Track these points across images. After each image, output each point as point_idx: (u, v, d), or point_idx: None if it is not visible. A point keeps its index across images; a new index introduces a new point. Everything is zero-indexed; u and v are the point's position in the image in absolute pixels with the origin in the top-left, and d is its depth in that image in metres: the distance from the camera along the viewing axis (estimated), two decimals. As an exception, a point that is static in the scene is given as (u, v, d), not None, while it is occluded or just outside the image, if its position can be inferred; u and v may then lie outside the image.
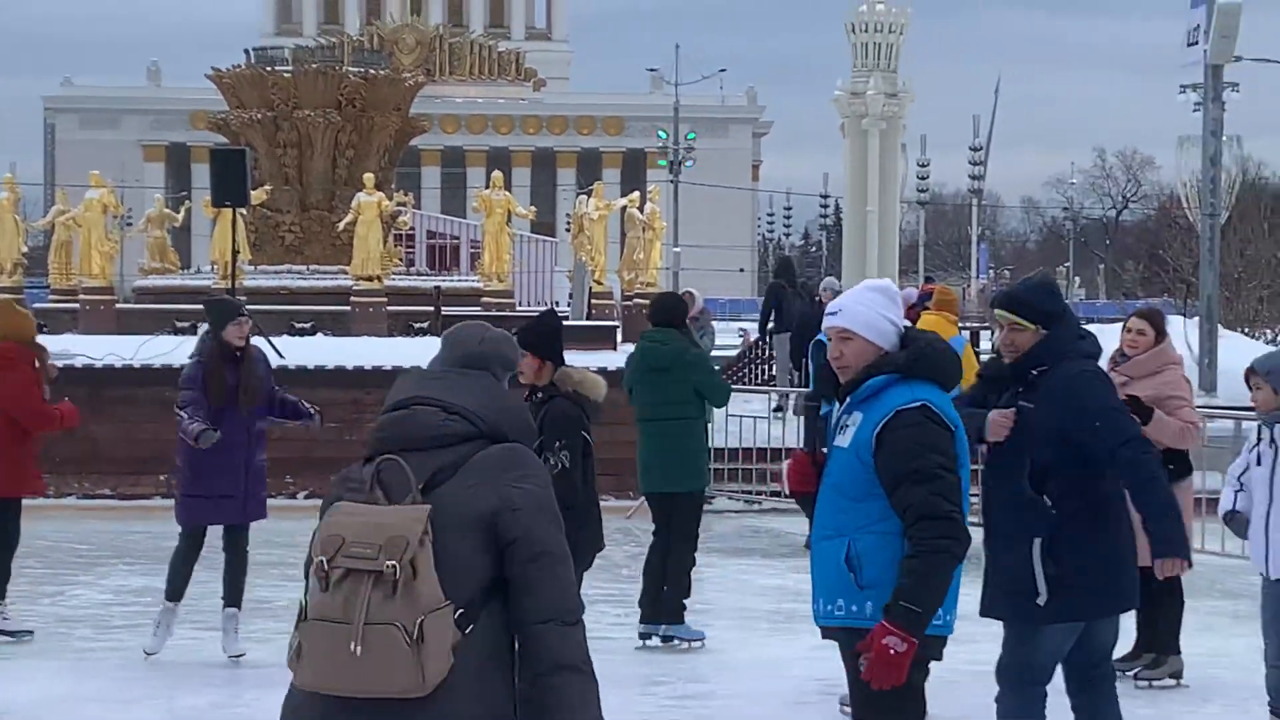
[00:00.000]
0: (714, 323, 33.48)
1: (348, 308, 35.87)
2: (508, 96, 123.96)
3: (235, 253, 27.49)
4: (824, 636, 6.91)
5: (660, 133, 77.67)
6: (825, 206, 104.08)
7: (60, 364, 14.25)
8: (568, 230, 63.42)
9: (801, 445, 17.92)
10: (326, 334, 31.28)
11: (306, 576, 4.87)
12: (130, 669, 12.19)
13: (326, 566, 4.75)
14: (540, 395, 9.97)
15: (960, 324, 19.49)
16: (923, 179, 76.03)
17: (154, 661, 12.35)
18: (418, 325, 33.54)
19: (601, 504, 10.23)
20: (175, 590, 12.48)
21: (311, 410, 12.66)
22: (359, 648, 4.68)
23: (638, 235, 47.95)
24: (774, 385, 26.50)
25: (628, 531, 18.02)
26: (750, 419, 21.62)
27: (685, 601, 12.94)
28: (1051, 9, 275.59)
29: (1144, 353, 11.47)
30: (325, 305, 35.42)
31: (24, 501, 13.07)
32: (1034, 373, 7.78)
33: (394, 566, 4.71)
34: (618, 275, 48.89)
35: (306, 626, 4.78)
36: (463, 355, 5.26)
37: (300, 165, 40.41)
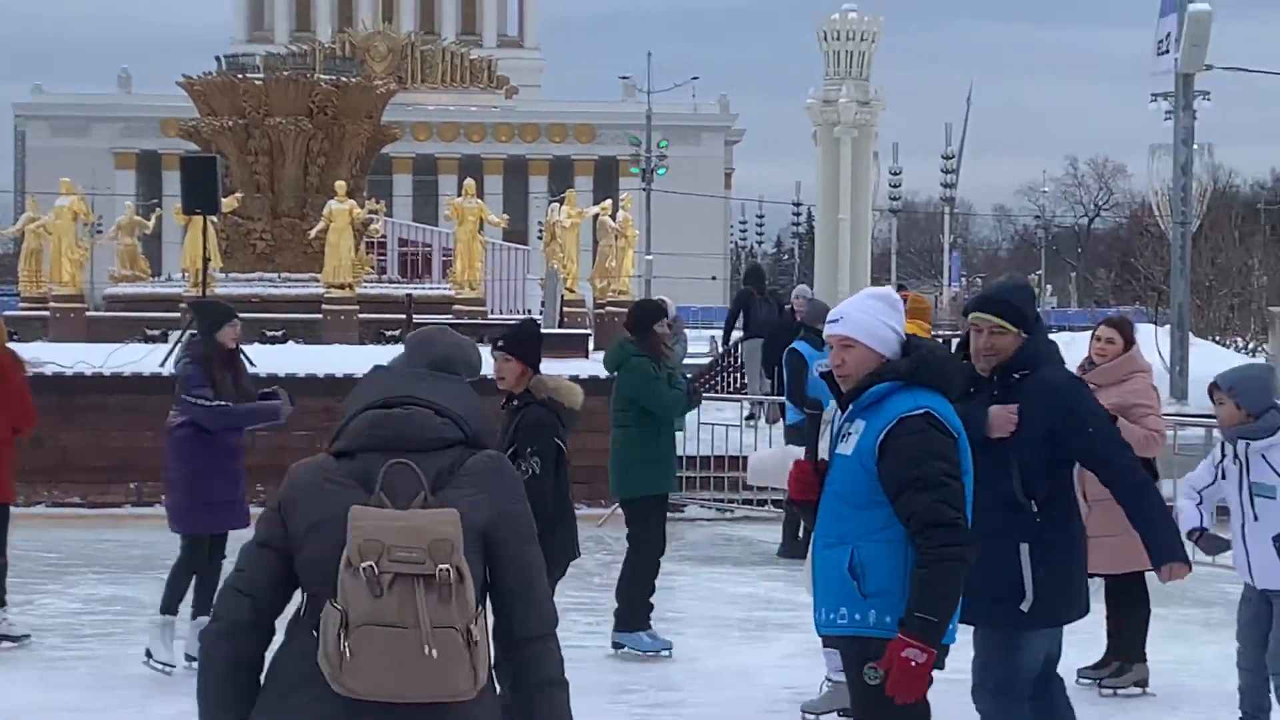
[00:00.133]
0: (686, 331, 33.51)
1: (319, 316, 35.83)
2: (480, 104, 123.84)
3: (206, 260, 27.42)
4: (825, 645, 6.90)
5: (632, 140, 77.74)
6: (798, 214, 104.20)
7: (30, 372, 14.22)
8: (540, 238, 63.39)
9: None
10: (298, 342, 31.22)
11: (313, 581, 4.84)
12: (100, 678, 12.13)
13: (376, 571, 4.72)
14: (515, 402, 9.97)
15: (933, 332, 19.51)
16: (895, 187, 76.28)
17: (124, 671, 12.29)
18: (389, 333, 33.51)
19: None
20: (172, 604, 12.29)
21: (276, 392, 12.64)
22: (434, 651, 4.69)
23: (610, 243, 47.96)
24: (745, 393, 26.49)
25: (600, 539, 18.00)
26: (722, 427, 21.62)
27: (640, 609, 12.86)
28: (1023, 18, 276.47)
29: (1112, 360, 11.51)
30: (297, 313, 35.37)
31: (-7, 509, 13.07)
32: (1015, 376, 7.78)
33: (448, 570, 4.74)
34: (590, 283, 48.89)
35: (360, 632, 4.71)
36: (431, 358, 5.23)
37: (272, 173, 40.35)
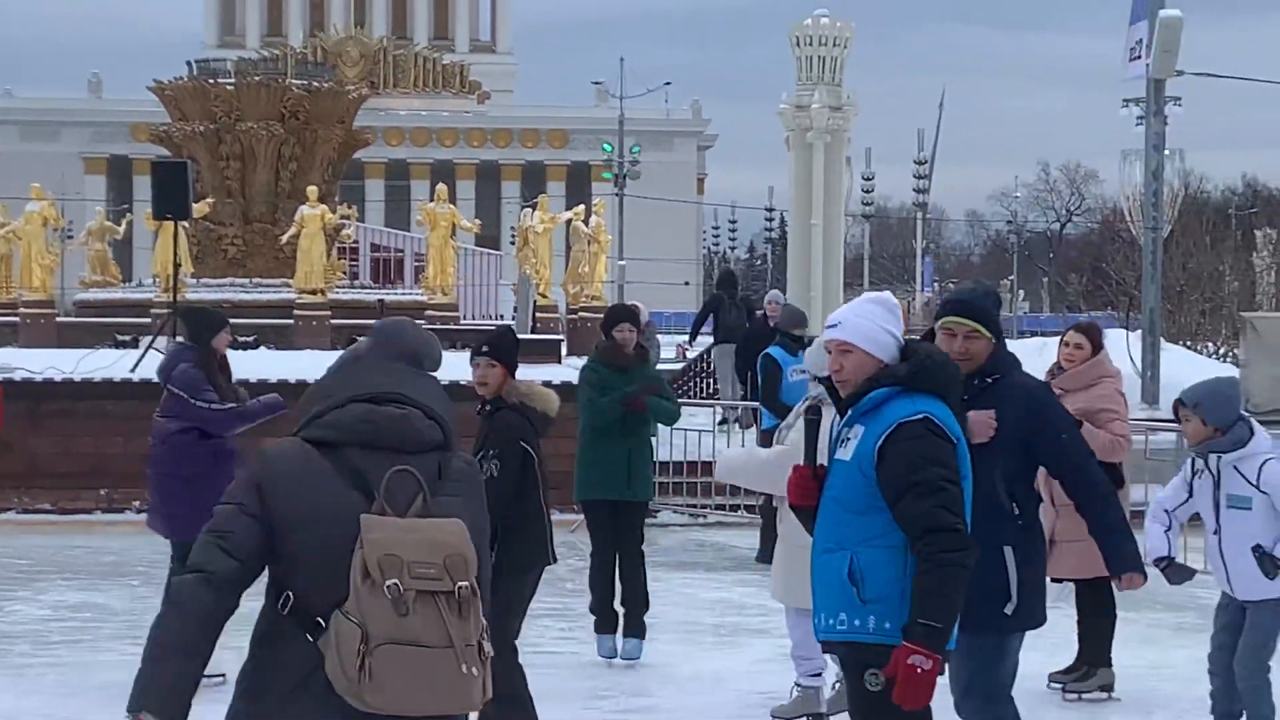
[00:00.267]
0: (659, 336, 33.49)
1: (291, 321, 35.75)
2: (452, 109, 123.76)
3: (177, 266, 27.35)
4: (825, 650, 6.88)
5: (605, 146, 77.70)
6: (770, 219, 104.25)
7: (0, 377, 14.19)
8: (512, 243, 63.41)
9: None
10: (270, 347, 31.13)
11: (300, 582, 4.81)
12: (70, 685, 12.07)
13: (401, 589, 4.70)
14: (489, 407, 9.96)
15: (906, 336, 19.50)
16: (868, 192, 76.30)
17: (94, 678, 12.23)
18: (362, 339, 33.43)
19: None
20: None
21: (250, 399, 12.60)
22: (473, 669, 4.73)
23: (583, 248, 47.96)
24: (718, 399, 26.48)
25: (571, 545, 17.97)
26: (695, 432, 21.59)
27: (594, 613, 12.87)
28: (995, 24, 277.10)
29: (1080, 366, 11.54)
30: (268, 318, 35.27)
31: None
32: (988, 381, 7.80)
33: (466, 587, 4.76)
34: (563, 288, 48.86)
35: (383, 651, 4.68)
36: (401, 350, 5.18)
37: (243, 178, 40.26)
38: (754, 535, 18.88)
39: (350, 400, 4.99)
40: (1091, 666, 11.72)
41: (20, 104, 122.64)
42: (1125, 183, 28.50)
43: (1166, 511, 9.45)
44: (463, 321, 45.49)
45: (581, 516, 19.76)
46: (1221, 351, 38.46)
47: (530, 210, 50.01)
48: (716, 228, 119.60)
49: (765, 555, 17.88)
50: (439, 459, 5.01)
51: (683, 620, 14.65)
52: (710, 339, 30.06)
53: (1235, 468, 9.13)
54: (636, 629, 12.77)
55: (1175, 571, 9.39)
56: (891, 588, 6.35)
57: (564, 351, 33.50)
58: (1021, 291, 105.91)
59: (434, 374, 5.24)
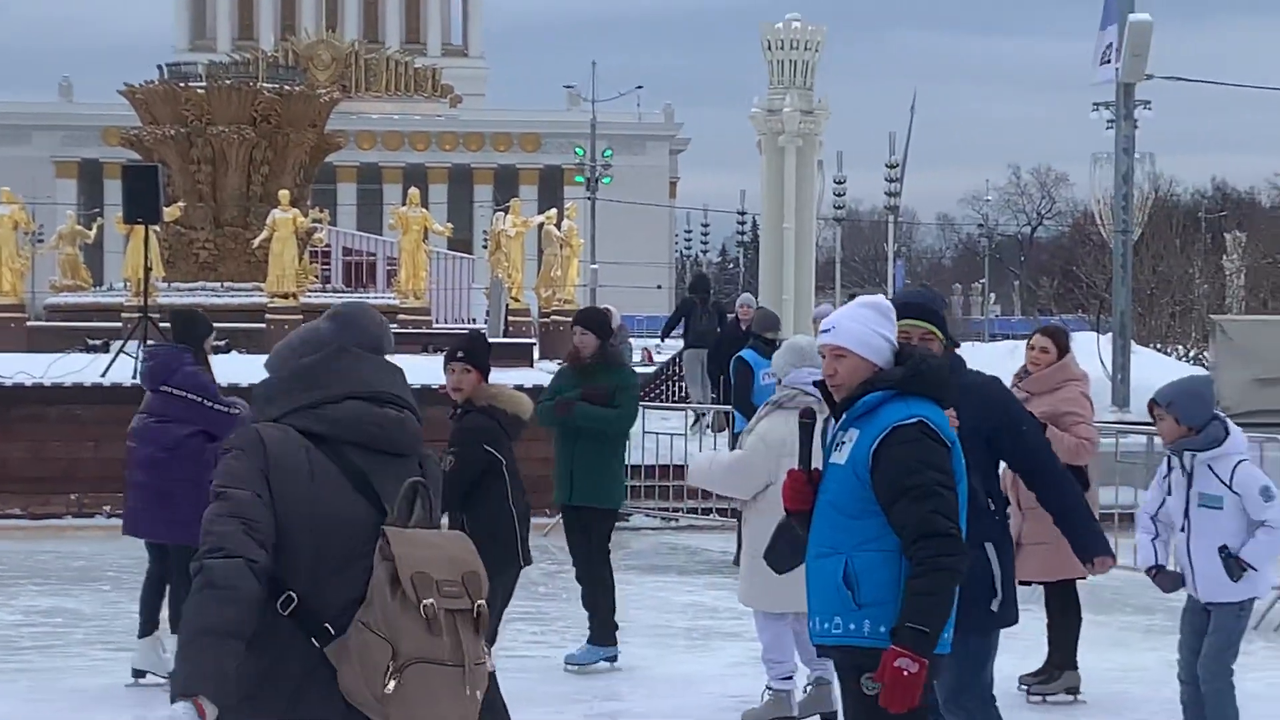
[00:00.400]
0: (631, 339, 33.49)
1: (263, 325, 35.69)
2: (424, 113, 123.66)
3: (148, 270, 27.27)
4: (819, 654, 6.87)
5: (577, 149, 77.72)
6: (742, 223, 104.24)
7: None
8: (485, 247, 63.35)
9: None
10: (241, 352, 31.03)
11: (300, 581, 4.78)
12: (41, 690, 12.04)
13: (436, 610, 4.71)
14: (459, 410, 9.97)
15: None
16: (839, 196, 76.34)
17: (65, 683, 12.21)
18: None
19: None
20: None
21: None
22: (477, 691, 4.79)
23: (555, 252, 47.96)
24: (689, 402, 26.49)
25: (544, 549, 17.96)
26: (666, 436, 21.61)
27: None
28: (966, 29, 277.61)
29: (1046, 369, 11.57)
30: (240, 322, 35.19)
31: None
32: None
33: (483, 606, 4.81)
34: (535, 292, 48.85)
35: (414, 669, 4.70)
36: (364, 338, 5.13)
37: (214, 181, 40.21)
38: (724, 539, 18.89)
39: (348, 397, 4.96)
40: (1057, 669, 11.74)
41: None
42: (1095, 186, 28.55)
43: (1151, 519, 9.47)
44: (435, 325, 45.44)
45: (553, 520, 19.85)
46: (1192, 354, 38.56)
47: (502, 214, 49.98)
48: (689, 231, 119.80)
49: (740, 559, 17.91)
50: (418, 460, 5.03)
51: (654, 624, 14.66)
52: (681, 343, 30.06)
53: (1209, 466, 9.15)
54: (590, 634, 12.75)
55: (1165, 579, 9.41)
56: (887, 591, 6.34)
57: (536, 355, 33.48)
58: (993, 294, 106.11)
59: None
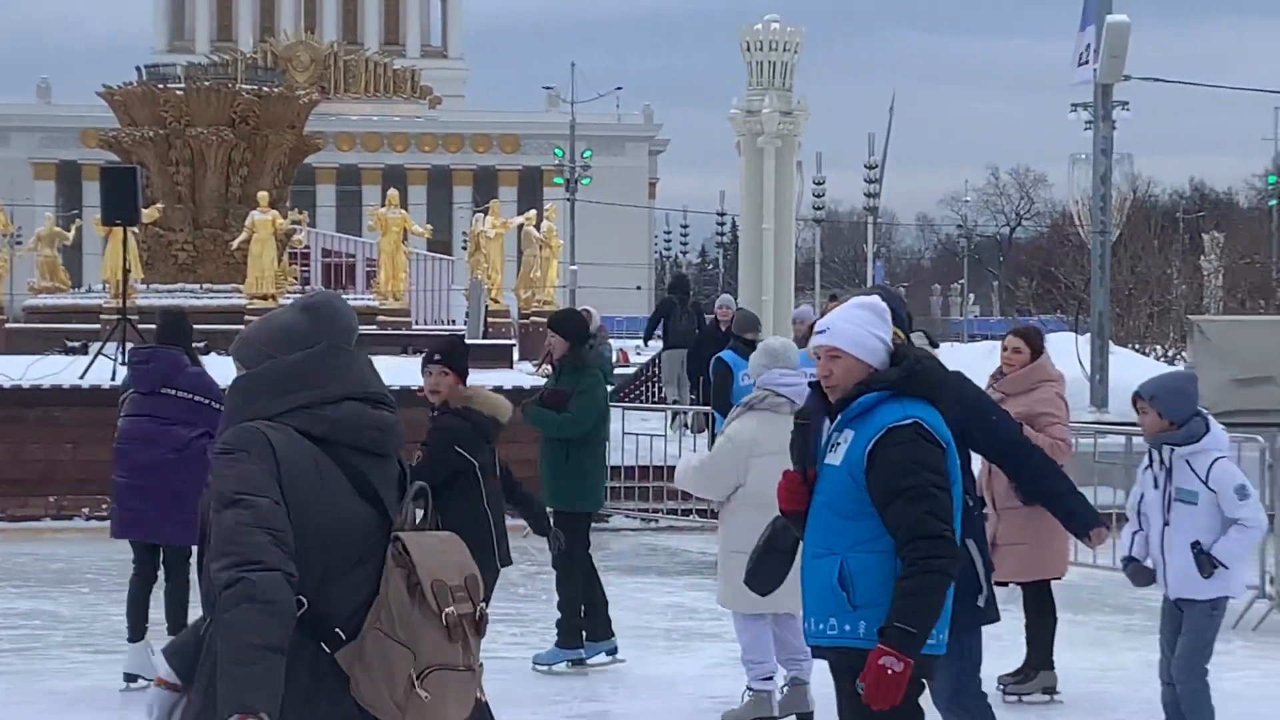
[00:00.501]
0: (610, 340, 33.49)
1: (242, 327, 35.54)
2: (403, 114, 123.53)
3: (127, 271, 27.22)
4: (814, 656, 6.85)
5: (556, 150, 77.72)
6: (722, 224, 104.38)
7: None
8: (464, 248, 63.33)
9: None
10: (220, 354, 30.97)
11: (308, 586, 4.73)
12: (19, 692, 12.01)
13: (457, 616, 4.74)
14: (436, 412, 9.99)
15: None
16: (818, 196, 76.48)
17: (43, 685, 12.17)
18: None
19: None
20: (180, 623, 11.86)
21: None
22: (481, 693, 4.86)
23: (534, 253, 47.99)
24: (673, 403, 26.49)
25: (523, 550, 17.94)
26: (646, 437, 21.62)
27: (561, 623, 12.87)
28: (945, 30, 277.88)
29: (1020, 370, 11.59)
30: (219, 324, 35.06)
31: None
32: None
33: (485, 608, 4.85)
34: (514, 293, 48.87)
35: (434, 676, 4.71)
36: (338, 329, 5.06)
37: (193, 183, 40.14)
38: (704, 539, 18.89)
39: (346, 398, 4.91)
40: (1033, 669, 11.75)
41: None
42: (1074, 187, 28.60)
43: (1136, 513, 9.49)
44: (414, 327, 45.40)
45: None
46: (1170, 354, 38.64)
47: (482, 215, 49.99)
48: (668, 232, 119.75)
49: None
50: (399, 460, 5.04)
51: (635, 625, 14.65)
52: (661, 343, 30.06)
53: (1187, 462, 9.17)
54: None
55: (1136, 572, 9.44)
56: (882, 593, 6.33)
57: (516, 356, 33.47)
58: (972, 295, 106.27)
59: None
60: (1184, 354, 32.93)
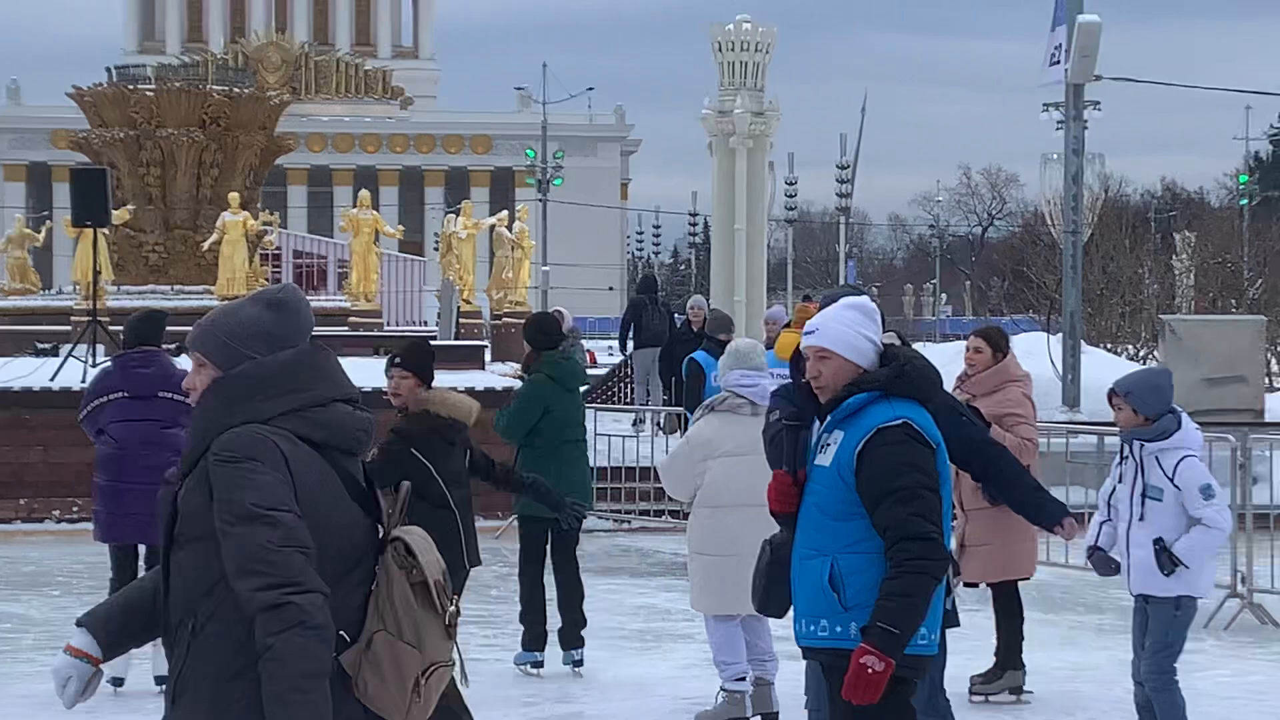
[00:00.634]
0: (583, 341, 33.46)
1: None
2: (374, 115, 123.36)
3: (97, 273, 27.14)
4: (805, 657, 6.83)
5: (528, 151, 77.65)
6: (694, 224, 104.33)
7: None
8: (436, 249, 63.22)
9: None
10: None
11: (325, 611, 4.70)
12: (-12, 697, 11.95)
13: (456, 616, 4.79)
14: (401, 415, 9.99)
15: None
16: (791, 197, 76.52)
17: (13, 689, 12.13)
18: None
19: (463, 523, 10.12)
20: None
21: None
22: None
23: (506, 254, 47.93)
24: (647, 404, 26.48)
25: (496, 551, 17.93)
26: (619, 438, 21.60)
27: (526, 626, 12.83)
28: (916, 30, 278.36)
29: (983, 371, 11.60)
30: (189, 326, 34.83)
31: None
32: None
33: (458, 603, 4.89)
34: (486, 294, 48.81)
35: (437, 672, 4.76)
36: (307, 327, 5.01)
37: (164, 184, 40.04)
38: (676, 540, 18.86)
39: (334, 400, 4.87)
40: (1000, 669, 11.76)
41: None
42: (1045, 186, 28.65)
43: (1106, 503, 9.52)
44: (386, 328, 45.33)
45: (505, 523, 19.82)
46: (1142, 354, 38.71)
47: (454, 216, 49.93)
48: (640, 233, 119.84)
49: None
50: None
51: (607, 626, 14.64)
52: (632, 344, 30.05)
53: (1156, 458, 9.19)
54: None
55: (1101, 562, 9.47)
56: (873, 594, 6.32)
57: (488, 358, 33.44)
58: (944, 295, 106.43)
59: None
60: (1156, 353, 32.99)
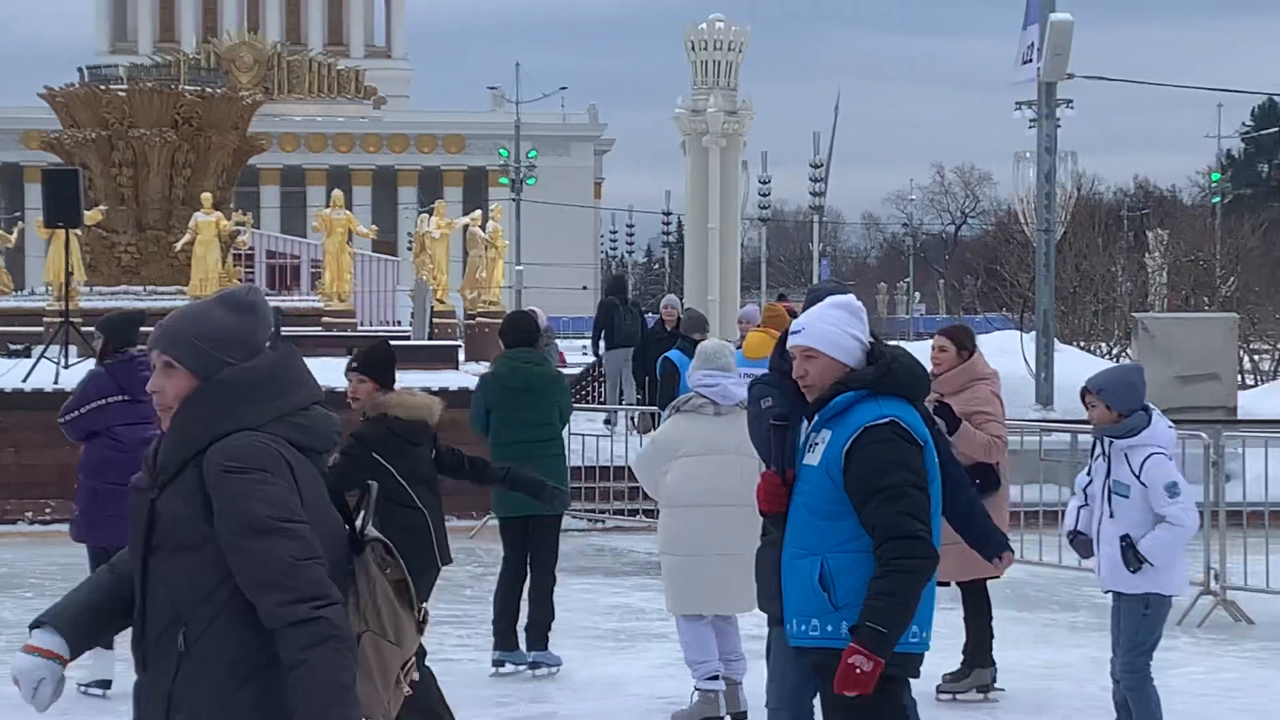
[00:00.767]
0: (557, 341, 33.46)
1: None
2: (347, 114, 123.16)
3: (69, 274, 27.06)
4: (798, 656, 6.82)
5: (501, 151, 77.57)
6: (667, 223, 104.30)
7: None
8: (409, 249, 63.17)
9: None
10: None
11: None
12: (-40, 700, 11.89)
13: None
14: (362, 419, 9.98)
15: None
16: (764, 196, 76.62)
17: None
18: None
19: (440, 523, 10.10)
20: None
21: None
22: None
23: (480, 254, 47.92)
24: (608, 402, 26.48)
25: (470, 551, 17.92)
26: (593, 438, 21.59)
27: (498, 627, 12.80)
28: (889, 29, 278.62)
29: (949, 369, 11.60)
30: (163, 327, 34.96)
31: None
32: None
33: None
34: (460, 294, 48.79)
35: (410, 665, 4.85)
36: (272, 329, 5.00)
37: (136, 185, 39.95)
38: (651, 539, 18.85)
39: (313, 403, 4.84)
40: (969, 668, 11.76)
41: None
42: (1018, 185, 28.72)
43: (1082, 490, 9.55)
44: (360, 328, 45.27)
45: (479, 523, 19.81)
46: (1115, 352, 38.79)
47: (427, 216, 49.86)
48: (614, 232, 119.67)
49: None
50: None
51: (582, 625, 14.63)
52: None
53: (1125, 454, 9.22)
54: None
55: (1079, 544, 9.52)
56: (863, 592, 6.31)
57: (462, 357, 33.40)
58: (918, 293, 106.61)
59: None
60: (1129, 351, 33.08)
